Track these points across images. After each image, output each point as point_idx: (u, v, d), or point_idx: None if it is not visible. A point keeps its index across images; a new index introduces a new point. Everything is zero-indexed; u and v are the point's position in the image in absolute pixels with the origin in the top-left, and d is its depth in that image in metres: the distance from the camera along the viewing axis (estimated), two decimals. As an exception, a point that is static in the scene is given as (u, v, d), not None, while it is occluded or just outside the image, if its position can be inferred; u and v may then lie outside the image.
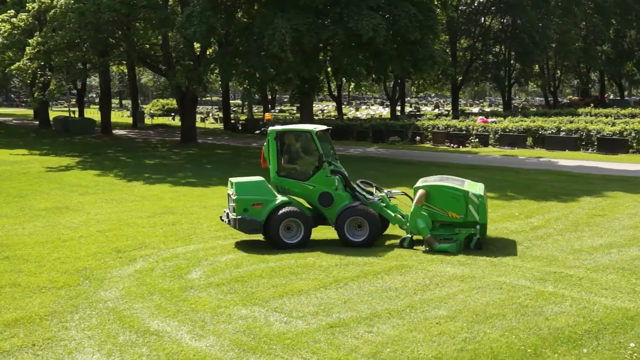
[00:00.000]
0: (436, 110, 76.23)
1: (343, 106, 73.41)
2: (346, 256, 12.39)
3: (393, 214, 13.58)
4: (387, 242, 13.65)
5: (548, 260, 11.78)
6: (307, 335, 8.39)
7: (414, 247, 12.90)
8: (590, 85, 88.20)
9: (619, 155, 29.87)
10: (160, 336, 8.51)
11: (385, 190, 14.23)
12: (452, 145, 36.83)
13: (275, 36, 26.35)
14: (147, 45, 44.14)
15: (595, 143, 31.95)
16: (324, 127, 14.41)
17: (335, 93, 63.10)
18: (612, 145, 30.98)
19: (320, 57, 32.69)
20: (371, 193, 13.98)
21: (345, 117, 61.69)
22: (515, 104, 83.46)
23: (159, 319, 9.15)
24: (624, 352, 7.43)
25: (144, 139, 45.74)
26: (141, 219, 16.60)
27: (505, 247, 12.85)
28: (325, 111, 78.60)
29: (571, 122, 36.58)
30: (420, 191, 12.95)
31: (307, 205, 13.80)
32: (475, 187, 13.18)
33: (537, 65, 66.41)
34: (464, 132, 37.75)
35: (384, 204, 13.72)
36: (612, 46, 71.85)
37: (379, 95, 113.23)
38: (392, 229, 14.21)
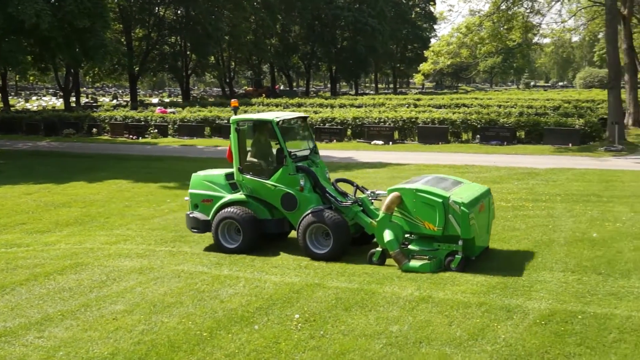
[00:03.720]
0: (114, 101, 74.23)
1: (10, 97, 67.39)
2: (13, 259, 11.45)
3: (369, 221, 11.04)
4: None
5: (224, 245, 12.21)
6: (-34, 352, 7.56)
7: (386, 264, 10.66)
8: (262, 77, 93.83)
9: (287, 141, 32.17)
10: None
11: (369, 191, 11.73)
12: (131, 136, 36.20)
13: None
14: None
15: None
16: (296, 115, 12.46)
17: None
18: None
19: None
20: (346, 194, 11.68)
21: (12, 108, 56.70)
22: (194, 95, 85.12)
23: None
24: (290, 323, 8.04)
25: None
26: None
27: (186, 237, 13.01)
28: (-11, 102, 71.30)
29: (245, 111, 38.40)
30: (392, 195, 10.49)
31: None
32: (465, 193, 10.45)
33: (212, 57, 68.41)
34: (143, 122, 37.36)
35: (361, 208, 11.33)
36: (279, 40, 77.22)
37: (51, 86, 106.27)
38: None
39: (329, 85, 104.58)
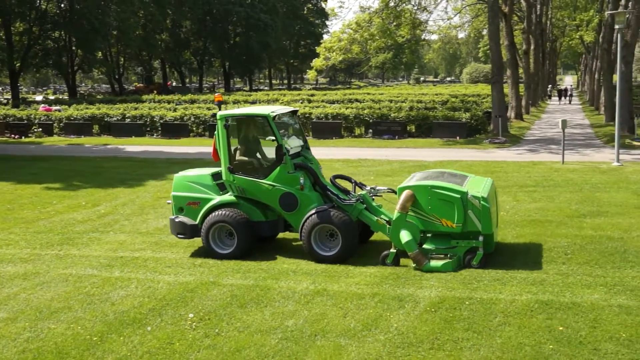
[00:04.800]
0: (-6, 99, 70.40)
1: None
2: None
3: (375, 219, 10.52)
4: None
5: (115, 246, 11.85)
6: None
7: (400, 265, 10.16)
8: (153, 73, 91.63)
9: (181, 139, 31.71)
10: None
11: (368, 187, 11.17)
12: (12, 136, 34.45)
13: None
14: None
15: (160, 128, 33.33)
16: (288, 110, 11.56)
17: None
18: (174, 130, 32.71)
19: None
20: (347, 192, 11.11)
21: None
22: (81, 92, 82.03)
23: None
24: (185, 323, 7.90)
25: None
26: None
27: (74, 239, 12.52)
28: None
29: (136, 108, 37.44)
30: (405, 192, 9.94)
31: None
32: (479, 186, 10.09)
33: (99, 52, 66.11)
34: (26, 121, 35.68)
35: (365, 206, 10.73)
36: (170, 35, 75.71)
37: None
38: (378, 235, 11.28)
39: (222, 81, 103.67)
